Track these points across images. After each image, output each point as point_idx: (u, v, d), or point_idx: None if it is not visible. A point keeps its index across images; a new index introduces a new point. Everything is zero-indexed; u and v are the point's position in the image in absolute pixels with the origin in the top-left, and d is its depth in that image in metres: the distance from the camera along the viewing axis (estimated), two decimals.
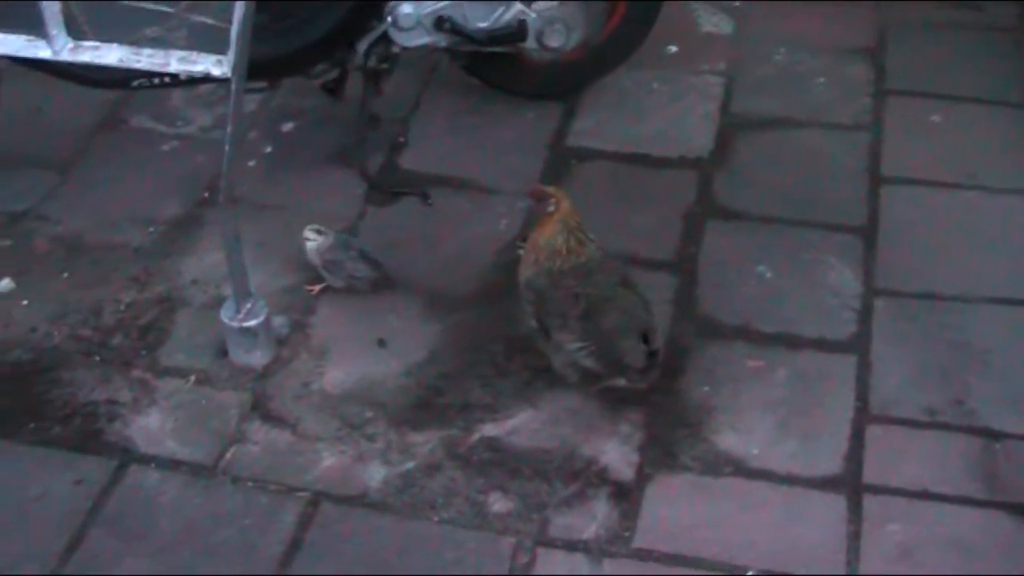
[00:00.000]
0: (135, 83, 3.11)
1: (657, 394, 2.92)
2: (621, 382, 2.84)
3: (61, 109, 3.80)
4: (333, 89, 3.53)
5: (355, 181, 3.51)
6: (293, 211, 3.41)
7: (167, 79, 3.01)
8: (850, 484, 2.73)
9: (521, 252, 2.99)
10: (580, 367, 2.83)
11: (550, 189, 2.91)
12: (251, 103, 3.71)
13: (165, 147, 3.70)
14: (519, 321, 2.98)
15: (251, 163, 3.56)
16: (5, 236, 3.42)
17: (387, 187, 3.47)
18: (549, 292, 2.83)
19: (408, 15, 3.26)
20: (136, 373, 3.03)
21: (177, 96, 3.84)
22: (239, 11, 2.44)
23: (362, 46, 3.30)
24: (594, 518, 2.69)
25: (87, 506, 2.75)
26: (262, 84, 3.51)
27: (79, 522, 2.72)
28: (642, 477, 2.76)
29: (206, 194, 3.50)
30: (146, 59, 2.57)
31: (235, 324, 2.92)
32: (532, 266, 2.86)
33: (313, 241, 3.15)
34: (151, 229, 3.40)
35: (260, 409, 2.93)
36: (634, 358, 2.79)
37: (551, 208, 2.84)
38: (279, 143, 3.66)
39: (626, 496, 2.72)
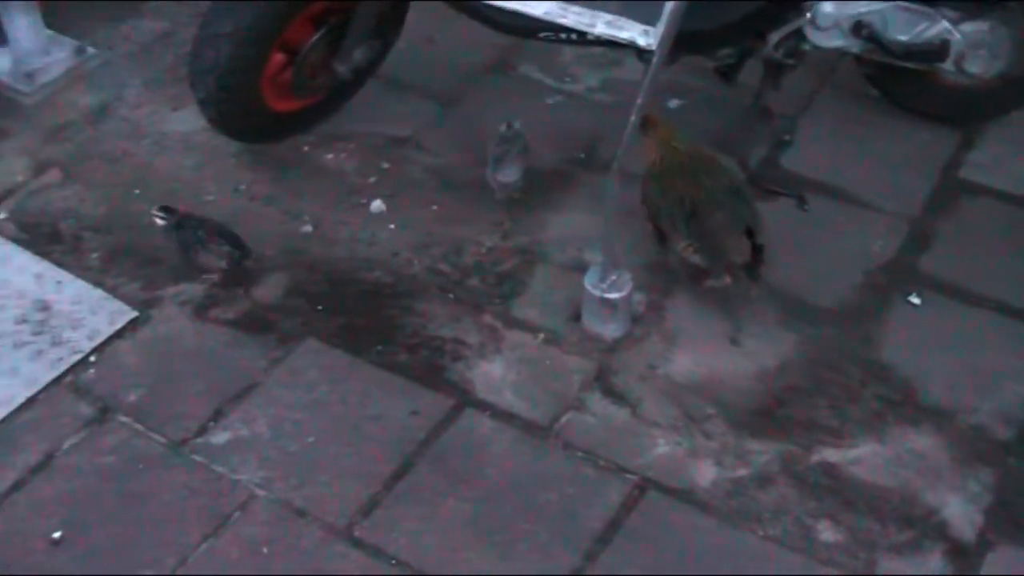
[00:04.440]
0: (542, 34, 3.10)
1: (1013, 458, 2.75)
2: (727, 280, 2.96)
3: (453, 44, 3.86)
4: (727, 74, 3.46)
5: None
6: None
7: (573, 35, 2.98)
8: None
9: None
10: (690, 264, 2.98)
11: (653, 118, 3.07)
12: (639, 73, 3.67)
13: (549, 100, 3.71)
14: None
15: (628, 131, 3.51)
16: (384, 159, 3.50)
17: (764, 183, 3.38)
18: (660, 199, 2.99)
19: (828, 15, 3.14)
20: (487, 319, 3.05)
21: (568, 52, 3.83)
22: None
23: (774, 37, 3.21)
24: (925, 572, 2.55)
25: (420, 438, 2.79)
26: None
27: (409, 452, 2.77)
28: (983, 542, 2.61)
29: (582, 155, 3.50)
30: (573, 16, 2.55)
31: (597, 292, 2.90)
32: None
33: (162, 220, 3.18)
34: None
35: (603, 381, 2.91)
36: (739, 253, 2.93)
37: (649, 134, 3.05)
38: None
39: (963, 557, 2.58)
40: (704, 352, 2.97)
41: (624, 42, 2.55)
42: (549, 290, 3.11)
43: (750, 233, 2.96)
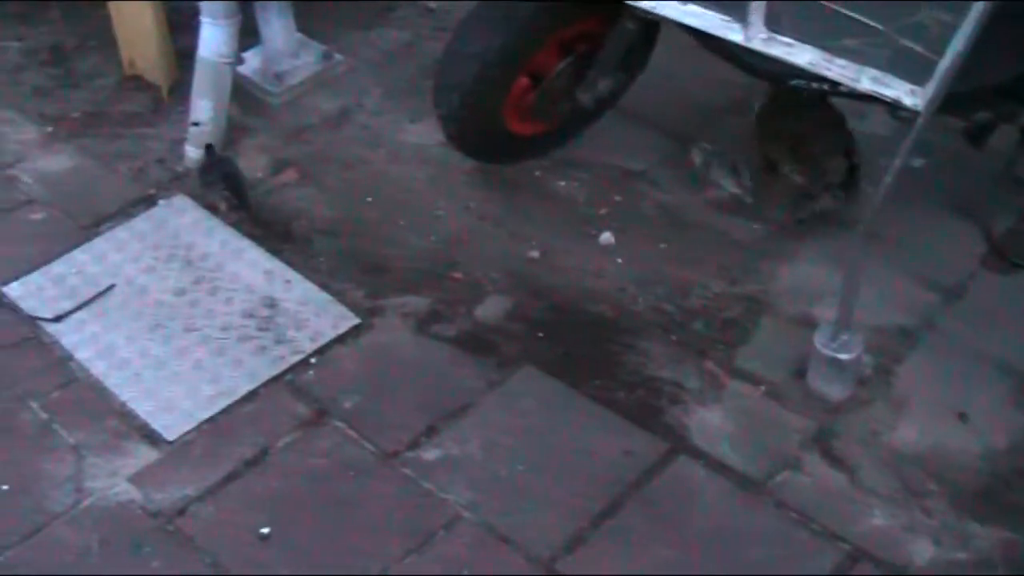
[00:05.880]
0: (792, 81, 3.03)
1: None
2: (827, 200, 3.27)
3: (691, 81, 3.82)
4: (978, 137, 3.33)
5: (975, 238, 3.31)
6: (902, 249, 3.26)
7: (825, 86, 2.91)
8: None
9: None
10: (794, 185, 3.29)
11: None
12: (885, 128, 3.57)
13: None
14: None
15: (870, 189, 3.42)
16: (616, 191, 3.48)
17: (1009, 254, 3.25)
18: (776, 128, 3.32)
19: None
20: (709, 365, 3.00)
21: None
22: (955, 47, 2.31)
23: None
24: None
25: (631, 479, 2.76)
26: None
27: (619, 492, 2.73)
28: None
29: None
30: (837, 69, 2.49)
31: (826, 351, 2.82)
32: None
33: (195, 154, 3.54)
34: (756, 226, 3.36)
35: (822, 443, 2.83)
36: (836, 174, 3.24)
37: None
38: (903, 176, 3.50)
39: None
40: (930, 424, 2.87)
41: (888, 100, 2.47)
42: (774, 342, 3.05)
43: (848, 155, 3.26)
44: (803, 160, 3.30)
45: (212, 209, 3.43)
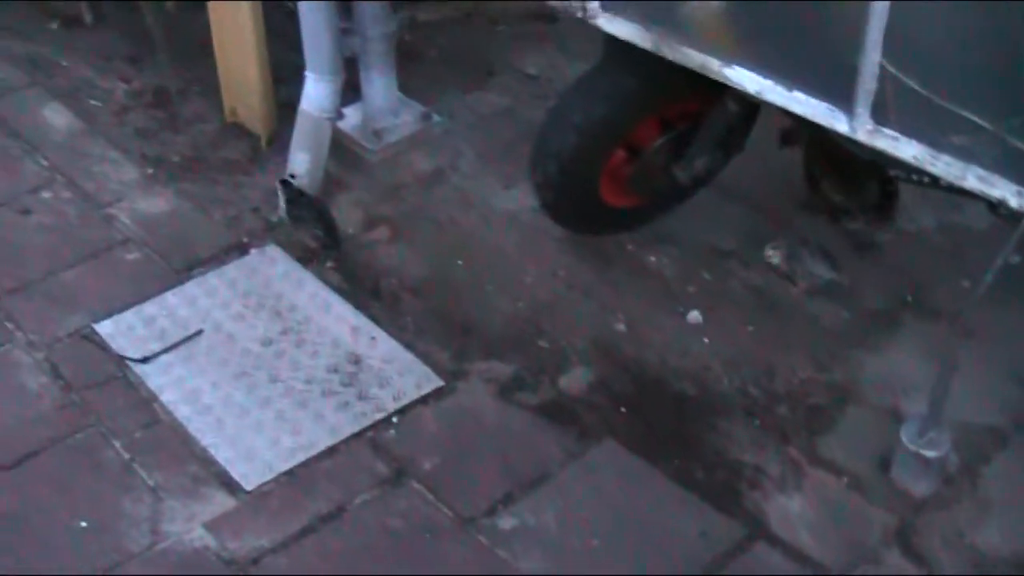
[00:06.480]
0: (893, 172, 3.03)
1: None
2: (862, 219, 3.43)
3: (784, 157, 3.77)
4: None
5: None
6: (995, 346, 3.18)
7: (926, 179, 2.89)
8: None
9: None
10: (833, 202, 3.44)
11: None
12: (982, 221, 3.52)
13: (879, 237, 3.61)
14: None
15: (965, 283, 3.38)
16: (706, 269, 3.47)
17: None
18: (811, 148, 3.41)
19: None
20: (792, 452, 2.97)
21: (906, 190, 3.72)
22: None
23: None
24: None
25: (706, 561, 2.74)
26: None
27: (694, 574, 2.70)
28: None
29: (908, 297, 3.39)
30: (943, 165, 2.47)
31: (913, 447, 2.78)
32: None
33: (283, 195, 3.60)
34: (846, 313, 3.33)
35: (904, 539, 2.78)
36: (869, 195, 3.35)
37: None
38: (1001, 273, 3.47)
39: None
40: (1016, 527, 2.81)
41: (993, 200, 2.45)
42: (859, 432, 3.01)
43: (883, 181, 3.32)
44: (844, 181, 3.40)
45: (305, 250, 3.50)
